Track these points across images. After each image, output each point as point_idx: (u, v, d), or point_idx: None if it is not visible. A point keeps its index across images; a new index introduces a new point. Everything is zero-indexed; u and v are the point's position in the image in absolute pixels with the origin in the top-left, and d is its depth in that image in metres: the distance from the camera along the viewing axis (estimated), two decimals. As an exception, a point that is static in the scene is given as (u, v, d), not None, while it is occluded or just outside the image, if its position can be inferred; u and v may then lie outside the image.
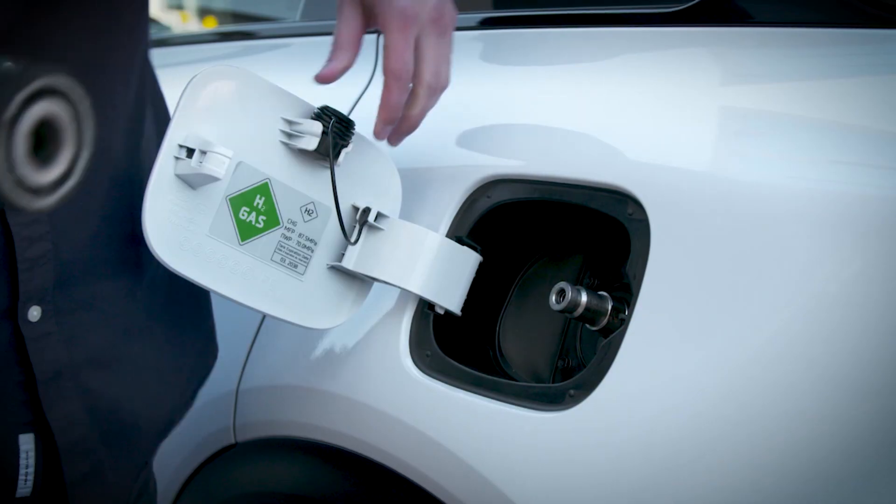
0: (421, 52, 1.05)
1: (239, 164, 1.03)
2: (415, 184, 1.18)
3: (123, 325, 1.06)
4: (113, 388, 1.05)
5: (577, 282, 1.13)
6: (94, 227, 1.02)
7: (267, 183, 1.05)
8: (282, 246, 1.08)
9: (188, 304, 1.16)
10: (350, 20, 1.05)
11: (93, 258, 1.02)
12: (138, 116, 1.07)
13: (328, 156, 1.06)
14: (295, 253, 1.09)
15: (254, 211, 1.05)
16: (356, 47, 1.06)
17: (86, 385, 1.02)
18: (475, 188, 1.14)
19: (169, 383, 1.13)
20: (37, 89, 0.73)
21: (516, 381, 1.11)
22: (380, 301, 1.16)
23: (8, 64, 0.73)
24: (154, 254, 0.99)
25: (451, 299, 1.13)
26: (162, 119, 1.12)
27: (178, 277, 1.02)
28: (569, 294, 1.05)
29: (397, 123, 1.08)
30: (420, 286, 1.11)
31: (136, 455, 1.11)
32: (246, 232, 1.05)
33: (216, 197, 1.03)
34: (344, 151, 1.08)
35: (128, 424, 1.07)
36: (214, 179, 1.00)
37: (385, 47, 1.04)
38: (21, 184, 0.73)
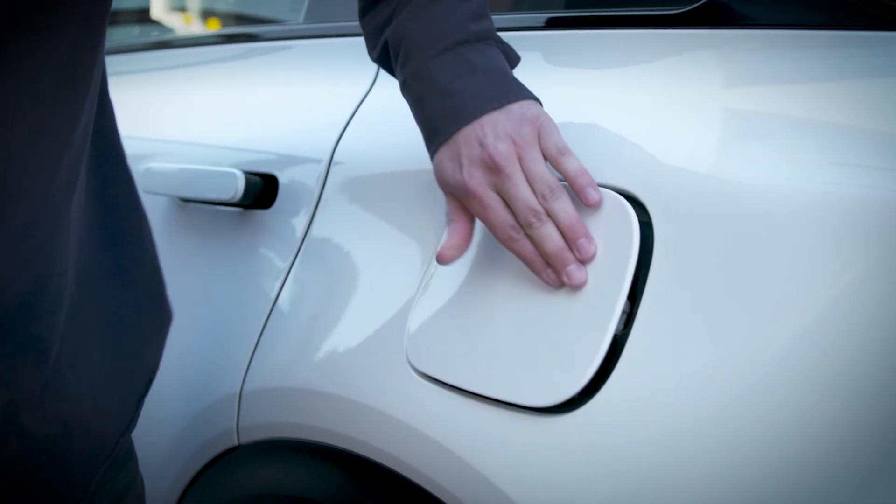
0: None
1: None
2: (416, 184, 1.18)
3: (56, 356, 1.02)
4: (48, 426, 1.01)
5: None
6: (34, 274, 0.98)
7: None
8: None
9: (119, 316, 1.12)
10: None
11: (30, 303, 0.98)
12: (76, 162, 1.01)
13: None
14: None
15: None
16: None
17: (22, 426, 0.99)
18: (478, 190, 1.14)
19: (105, 406, 1.09)
20: None
21: (519, 383, 1.11)
22: (382, 302, 1.16)
23: None
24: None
25: (455, 301, 1.13)
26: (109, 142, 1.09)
27: (105, 295, 1.01)
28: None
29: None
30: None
31: (74, 484, 1.07)
32: None
33: None
34: None
35: (62, 458, 1.04)
36: None
37: None
38: None
